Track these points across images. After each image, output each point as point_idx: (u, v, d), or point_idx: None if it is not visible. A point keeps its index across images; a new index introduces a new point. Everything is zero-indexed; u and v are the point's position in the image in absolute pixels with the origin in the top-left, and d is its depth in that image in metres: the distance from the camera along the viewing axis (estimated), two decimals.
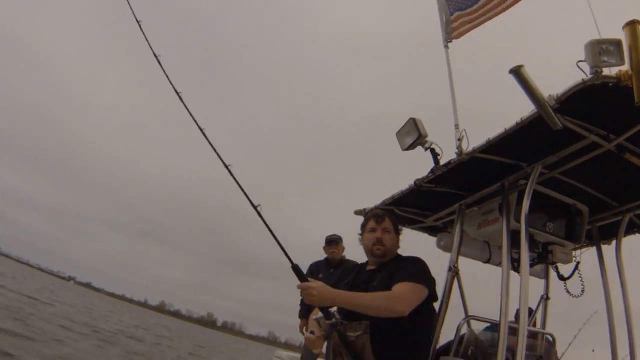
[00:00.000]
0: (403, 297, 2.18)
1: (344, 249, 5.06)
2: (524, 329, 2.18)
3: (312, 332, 2.25)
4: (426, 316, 2.40)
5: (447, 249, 3.10)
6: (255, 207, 2.22)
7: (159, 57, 3.15)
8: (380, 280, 2.37)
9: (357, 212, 3.62)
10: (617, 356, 2.92)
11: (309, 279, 2.09)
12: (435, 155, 2.63)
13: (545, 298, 3.53)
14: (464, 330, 2.83)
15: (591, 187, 2.90)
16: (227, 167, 2.31)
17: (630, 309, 3.00)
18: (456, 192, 2.91)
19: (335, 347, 2.26)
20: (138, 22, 3.41)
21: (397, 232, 2.60)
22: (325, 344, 2.28)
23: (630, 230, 3.21)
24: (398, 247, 2.61)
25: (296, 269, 2.11)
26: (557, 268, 3.21)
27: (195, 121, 2.61)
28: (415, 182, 2.80)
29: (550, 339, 3.31)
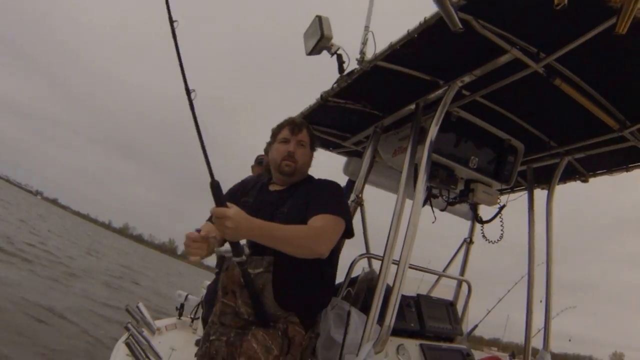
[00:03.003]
0: (326, 235, 1.80)
1: None
2: (404, 264, 1.88)
3: (198, 230, 1.65)
4: (334, 254, 2.06)
5: (353, 175, 2.76)
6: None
7: None
8: (292, 206, 1.97)
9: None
10: (532, 314, 2.72)
11: (228, 203, 1.59)
12: (340, 63, 2.18)
13: (468, 242, 3.27)
14: (360, 269, 2.52)
15: (526, 121, 2.52)
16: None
17: (552, 261, 2.75)
18: (371, 112, 2.52)
19: (228, 284, 1.94)
20: None
21: (313, 148, 2.17)
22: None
23: (567, 176, 2.89)
24: (309, 166, 2.18)
25: (215, 186, 1.58)
26: (475, 209, 2.91)
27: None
28: (321, 96, 2.39)
29: (467, 286, 3.09)
